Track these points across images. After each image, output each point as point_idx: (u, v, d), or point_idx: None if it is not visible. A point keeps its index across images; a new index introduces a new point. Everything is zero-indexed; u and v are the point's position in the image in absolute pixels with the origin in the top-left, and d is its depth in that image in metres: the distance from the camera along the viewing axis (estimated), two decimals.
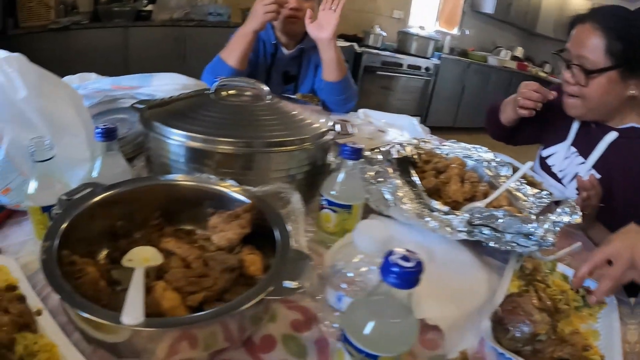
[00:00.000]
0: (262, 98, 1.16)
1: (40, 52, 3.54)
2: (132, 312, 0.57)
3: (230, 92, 1.20)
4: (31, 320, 0.69)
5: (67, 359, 0.64)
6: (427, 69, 5.92)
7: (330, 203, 0.98)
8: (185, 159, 1.00)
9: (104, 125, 0.92)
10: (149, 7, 4.36)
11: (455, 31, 6.66)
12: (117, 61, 4.17)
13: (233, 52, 1.94)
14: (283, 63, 2.21)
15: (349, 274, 0.74)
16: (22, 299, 0.73)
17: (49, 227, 0.72)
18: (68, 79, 1.53)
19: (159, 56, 4.33)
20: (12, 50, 0.98)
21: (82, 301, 0.59)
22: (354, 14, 5.64)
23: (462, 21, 6.67)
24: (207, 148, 0.97)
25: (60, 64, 2.61)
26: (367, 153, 1.22)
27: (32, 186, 0.86)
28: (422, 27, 6.02)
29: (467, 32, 6.62)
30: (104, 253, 0.83)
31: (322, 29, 1.92)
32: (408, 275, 0.52)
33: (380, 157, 1.22)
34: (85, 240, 0.79)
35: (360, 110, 2.04)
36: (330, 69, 2.00)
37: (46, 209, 0.86)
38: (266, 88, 1.16)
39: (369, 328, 0.57)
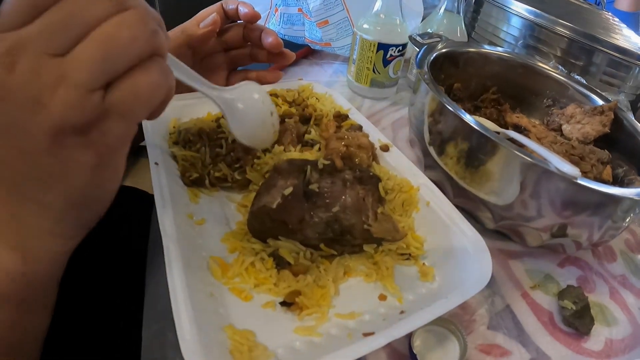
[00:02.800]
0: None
1: None
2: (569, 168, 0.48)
3: None
4: (375, 152, 0.60)
5: (430, 205, 0.53)
6: None
7: None
8: (522, 35, 0.90)
9: None
10: None
11: None
12: None
13: None
14: None
15: None
16: (359, 127, 0.64)
17: (420, 57, 0.65)
18: None
19: None
20: None
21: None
22: None
23: None
24: (550, 27, 0.86)
25: None
26: None
27: (373, 20, 0.77)
28: None
29: None
30: None
31: None
32: None
33: None
34: None
35: None
36: None
37: (383, 47, 0.76)
38: None
39: None
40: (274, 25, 0.95)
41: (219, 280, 0.43)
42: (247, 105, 0.49)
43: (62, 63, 0.28)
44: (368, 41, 0.77)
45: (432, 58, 0.67)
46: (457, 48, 0.74)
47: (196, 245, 0.45)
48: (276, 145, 0.57)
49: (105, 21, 0.28)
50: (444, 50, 0.71)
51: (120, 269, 0.62)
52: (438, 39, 0.73)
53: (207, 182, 0.53)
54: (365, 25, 0.77)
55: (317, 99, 0.69)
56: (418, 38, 0.71)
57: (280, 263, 0.44)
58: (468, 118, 0.52)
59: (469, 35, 0.98)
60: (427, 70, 0.62)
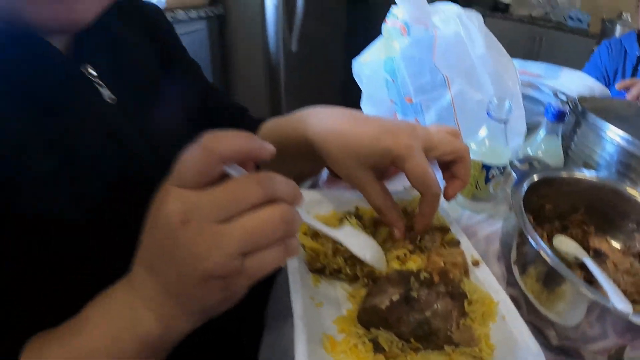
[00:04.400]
0: None
1: None
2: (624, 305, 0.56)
3: None
4: (467, 269, 0.68)
5: (505, 319, 0.61)
6: None
7: None
8: (616, 162, 0.94)
9: (558, 107, 0.89)
10: (508, 0, 4.39)
11: None
12: None
13: None
14: None
15: None
16: (457, 243, 0.73)
17: (516, 183, 0.74)
18: None
19: (510, 51, 4.23)
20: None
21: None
22: None
23: None
24: None
25: None
26: None
27: (479, 143, 0.87)
28: None
29: None
30: None
31: None
32: None
33: None
34: None
35: None
36: None
37: (486, 167, 0.86)
38: None
39: None
40: None
41: (329, 354, 0.55)
42: (359, 239, 0.62)
43: (220, 231, 0.39)
44: (474, 161, 0.86)
45: (528, 185, 0.75)
46: (552, 174, 0.82)
47: (315, 323, 0.57)
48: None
49: (256, 209, 0.40)
50: (540, 176, 0.79)
51: (237, 321, 0.74)
52: (536, 165, 0.81)
53: (327, 271, 0.65)
54: (472, 146, 0.86)
55: None
56: (517, 164, 0.79)
57: (377, 348, 0.55)
58: (545, 250, 0.61)
59: (565, 153, 1.03)
60: (519, 198, 0.70)
